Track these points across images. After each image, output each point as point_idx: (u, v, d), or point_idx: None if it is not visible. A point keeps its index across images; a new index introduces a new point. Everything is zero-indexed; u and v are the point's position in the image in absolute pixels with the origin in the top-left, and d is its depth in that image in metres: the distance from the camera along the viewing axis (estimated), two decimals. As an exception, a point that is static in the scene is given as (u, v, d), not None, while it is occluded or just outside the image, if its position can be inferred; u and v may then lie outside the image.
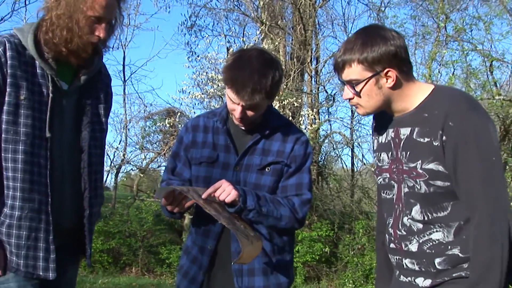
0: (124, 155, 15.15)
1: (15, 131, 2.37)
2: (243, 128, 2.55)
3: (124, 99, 15.89)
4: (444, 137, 1.99)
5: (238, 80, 2.36)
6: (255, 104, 2.38)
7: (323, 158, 14.53)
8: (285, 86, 13.00)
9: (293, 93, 12.85)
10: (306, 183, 2.54)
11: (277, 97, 12.82)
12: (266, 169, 2.51)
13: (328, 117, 15.23)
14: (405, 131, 2.13)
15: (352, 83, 2.10)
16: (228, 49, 14.19)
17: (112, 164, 15.36)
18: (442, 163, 2.01)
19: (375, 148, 2.37)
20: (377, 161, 2.33)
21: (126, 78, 16.14)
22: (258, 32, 13.44)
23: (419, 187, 2.07)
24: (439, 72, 11.93)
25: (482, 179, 1.95)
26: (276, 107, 12.38)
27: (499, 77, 12.58)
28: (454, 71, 11.47)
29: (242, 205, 2.33)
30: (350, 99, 2.16)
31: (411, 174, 2.09)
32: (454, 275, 2.05)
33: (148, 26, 29.07)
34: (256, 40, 13.11)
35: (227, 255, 2.47)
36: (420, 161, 2.06)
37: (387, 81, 2.07)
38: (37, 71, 2.45)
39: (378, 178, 2.33)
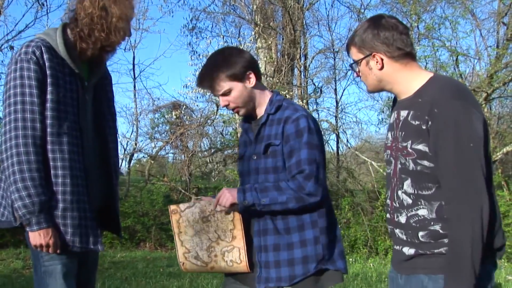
0: (136, 144, 15.21)
1: (59, 125, 2.41)
2: (253, 118, 2.62)
3: (135, 94, 15.87)
4: (429, 122, 1.98)
5: (199, 77, 2.53)
6: (220, 88, 2.47)
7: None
8: (277, 81, 13.14)
9: (284, 86, 12.91)
10: (304, 159, 2.41)
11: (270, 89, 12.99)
12: (267, 153, 2.49)
13: (316, 107, 15.31)
14: (403, 113, 2.13)
15: (354, 63, 2.21)
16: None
17: (126, 152, 15.41)
18: (428, 145, 2.01)
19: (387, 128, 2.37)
20: (386, 139, 2.33)
21: (136, 76, 16.25)
22: (252, 33, 13.51)
23: (408, 164, 2.08)
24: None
25: (456, 163, 1.93)
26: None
27: (464, 70, 12.84)
28: (426, 65, 11.62)
29: (242, 205, 2.38)
30: (358, 76, 2.25)
31: (403, 152, 2.10)
32: (435, 251, 2.05)
33: (154, 29, 29.12)
34: (251, 40, 13.23)
35: (249, 234, 2.51)
36: (410, 141, 2.06)
37: (376, 63, 2.12)
38: (66, 70, 2.48)
39: (384, 155, 2.33)
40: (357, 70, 2.19)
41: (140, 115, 15.64)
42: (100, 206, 2.71)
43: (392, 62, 2.11)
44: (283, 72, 13.30)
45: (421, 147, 2.03)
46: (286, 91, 12.47)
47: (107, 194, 2.73)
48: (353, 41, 2.16)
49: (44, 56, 2.40)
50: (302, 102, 13.41)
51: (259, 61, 13.89)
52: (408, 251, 2.14)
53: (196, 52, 14.28)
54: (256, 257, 2.50)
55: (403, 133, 2.11)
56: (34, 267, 2.54)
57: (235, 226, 2.47)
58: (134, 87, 16.21)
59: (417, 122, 2.04)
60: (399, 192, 2.16)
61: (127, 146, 15.54)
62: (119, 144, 2.85)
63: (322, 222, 2.50)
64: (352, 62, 2.22)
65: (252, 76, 2.51)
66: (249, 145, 2.61)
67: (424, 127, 2.01)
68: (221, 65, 2.46)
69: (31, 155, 2.35)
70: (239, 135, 13.47)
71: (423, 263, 2.11)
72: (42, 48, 2.41)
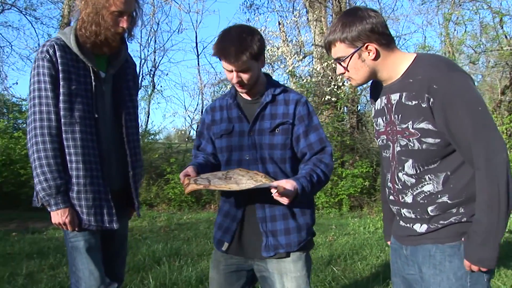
0: (201, 115, 15.45)
1: (71, 115, 2.47)
2: (248, 97, 2.52)
3: (199, 70, 16.26)
4: (431, 99, 1.88)
5: (223, 49, 2.32)
6: (243, 65, 2.33)
7: (362, 107, 14.38)
8: (327, 51, 12.86)
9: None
10: (324, 137, 2.49)
11: (319, 60, 12.73)
12: (276, 130, 2.44)
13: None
14: (395, 97, 2.03)
15: (340, 60, 2.03)
16: (279, 23, 14.11)
17: (191, 124, 15.73)
18: (431, 122, 1.91)
19: (373, 115, 2.26)
20: (375, 125, 2.23)
21: (199, 53, 16.44)
22: (298, 8, 13.31)
23: (412, 145, 1.98)
24: (455, 30, 11.49)
25: (474, 129, 1.83)
26: (318, 68, 12.31)
27: (508, 30, 12.10)
28: (466, 28, 11.01)
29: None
30: (342, 74, 2.09)
31: (404, 133, 2.00)
32: (445, 222, 1.98)
33: (215, 7, 28.95)
34: (297, 14, 12.98)
35: (253, 207, 2.48)
36: (411, 122, 1.96)
37: (369, 54, 1.99)
38: (81, 64, 2.53)
39: (378, 140, 2.23)
40: (346, 65, 2.02)
41: (204, 88, 15.84)
42: (123, 187, 2.75)
43: (383, 49, 2.01)
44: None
45: (423, 125, 1.94)
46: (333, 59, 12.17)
47: (126, 176, 2.75)
48: (339, 38, 1.99)
49: (57, 54, 2.47)
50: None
51: (310, 33, 13.62)
52: (420, 228, 2.06)
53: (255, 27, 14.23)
54: (261, 227, 2.46)
55: (400, 115, 2.01)
56: (65, 243, 2.63)
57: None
58: (198, 63, 16.48)
59: (414, 102, 1.94)
60: (400, 174, 2.08)
61: (193, 118, 15.76)
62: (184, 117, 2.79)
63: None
64: (339, 58, 2.03)
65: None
66: (237, 121, 2.50)
67: (424, 105, 1.91)
68: (251, 46, 2.32)
69: (47, 144, 2.44)
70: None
71: (430, 234, 2.03)
72: (55, 47, 2.48)
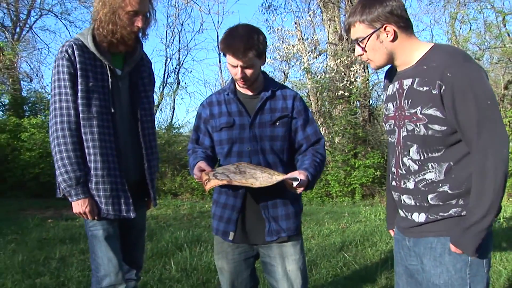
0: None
1: (89, 110, 2.47)
2: (249, 92, 2.52)
3: (220, 67, 16.41)
4: (443, 87, 1.80)
5: (232, 45, 2.32)
6: (249, 61, 2.34)
7: (374, 101, 14.28)
8: (340, 48, 12.81)
9: (346, 53, 12.66)
10: (318, 130, 2.57)
11: (333, 57, 12.69)
12: (277, 123, 2.46)
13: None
14: (407, 82, 1.95)
15: (358, 41, 1.97)
16: (295, 23, 14.06)
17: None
18: (439, 109, 1.83)
19: (384, 100, 2.17)
20: (384, 110, 2.15)
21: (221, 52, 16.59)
22: (313, 8, 13.23)
23: (418, 130, 1.90)
24: (460, 28, 11.33)
25: (479, 122, 1.76)
26: (332, 65, 12.26)
27: (511, 28, 11.88)
28: (471, 26, 10.83)
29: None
30: (360, 55, 2.02)
31: (412, 118, 1.92)
32: (445, 214, 1.93)
33: (235, 8, 28.92)
34: (311, 14, 12.91)
35: (254, 196, 2.47)
36: (420, 107, 1.88)
37: (387, 36, 1.92)
38: (98, 62, 2.52)
39: (385, 125, 2.14)
40: (364, 46, 1.95)
41: (225, 84, 15.95)
42: (139, 178, 2.74)
43: (401, 32, 1.93)
44: (344, 40, 12.93)
45: (431, 111, 1.86)
46: (346, 56, 12.12)
47: (142, 168, 2.73)
48: (358, 19, 1.93)
49: (75, 53, 2.47)
50: (361, 66, 13.01)
51: (324, 32, 13.56)
52: (419, 217, 2.00)
53: (272, 27, 14.24)
54: (263, 214, 2.48)
55: (410, 100, 1.93)
56: (86, 231, 2.65)
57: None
58: (220, 61, 16.64)
59: (425, 88, 1.87)
60: (405, 159, 2.01)
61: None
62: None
63: None
64: (358, 39, 1.96)
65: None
66: (238, 115, 2.50)
67: (435, 92, 1.83)
68: (258, 44, 2.35)
69: (67, 138, 2.45)
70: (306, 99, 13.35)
71: (432, 227, 1.98)
72: (74, 46, 2.48)
